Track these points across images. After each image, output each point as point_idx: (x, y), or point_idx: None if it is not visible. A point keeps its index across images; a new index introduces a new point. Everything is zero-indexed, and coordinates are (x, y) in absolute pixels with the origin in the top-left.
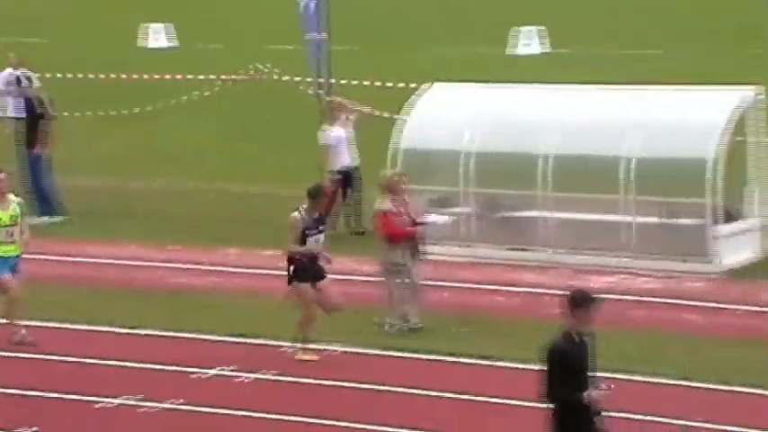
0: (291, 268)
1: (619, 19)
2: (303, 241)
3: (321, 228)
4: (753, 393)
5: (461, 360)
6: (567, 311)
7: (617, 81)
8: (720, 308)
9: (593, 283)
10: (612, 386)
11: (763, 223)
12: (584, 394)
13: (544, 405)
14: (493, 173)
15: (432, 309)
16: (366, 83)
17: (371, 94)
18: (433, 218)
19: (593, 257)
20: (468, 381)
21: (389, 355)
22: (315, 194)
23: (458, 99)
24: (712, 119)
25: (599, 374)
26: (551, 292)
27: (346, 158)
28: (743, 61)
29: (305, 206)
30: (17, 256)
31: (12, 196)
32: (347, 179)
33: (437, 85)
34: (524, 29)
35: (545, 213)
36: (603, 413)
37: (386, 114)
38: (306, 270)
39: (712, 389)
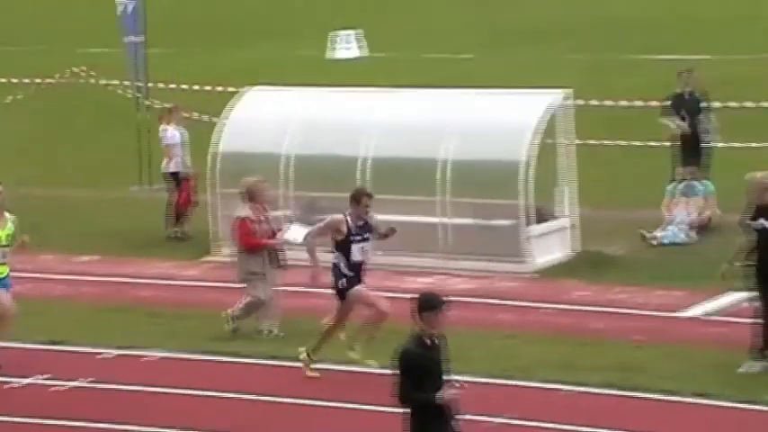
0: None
1: (434, 23)
2: (348, 249)
3: (367, 236)
4: (561, 390)
5: (280, 363)
6: (417, 315)
7: (433, 84)
8: (532, 306)
9: (411, 284)
10: (465, 386)
11: (572, 223)
12: (437, 396)
13: (401, 409)
14: (312, 175)
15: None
16: (185, 86)
17: (190, 97)
18: (294, 230)
19: (410, 258)
20: (287, 383)
21: (209, 360)
22: (357, 198)
23: (277, 102)
24: (524, 121)
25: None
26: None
27: (180, 161)
28: (552, 64)
29: (349, 211)
30: (6, 277)
31: (7, 213)
32: (178, 182)
33: (256, 87)
34: (343, 33)
35: None
36: (458, 414)
37: (205, 118)
38: (346, 285)
39: (524, 386)
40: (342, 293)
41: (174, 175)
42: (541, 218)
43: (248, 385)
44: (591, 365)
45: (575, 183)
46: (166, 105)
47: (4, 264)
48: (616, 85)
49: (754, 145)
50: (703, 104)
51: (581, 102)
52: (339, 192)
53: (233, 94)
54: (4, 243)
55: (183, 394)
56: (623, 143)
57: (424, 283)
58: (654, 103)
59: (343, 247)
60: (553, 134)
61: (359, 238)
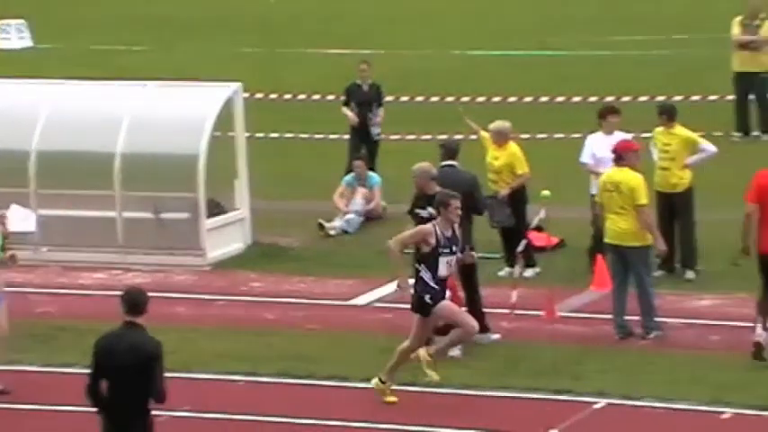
0: (426, 297)
1: (100, 14)
2: (435, 262)
3: (454, 248)
4: (238, 381)
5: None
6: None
7: (105, 77)
8: (207, 299)
9: (84, 279)
10: None
11: (243, 216)
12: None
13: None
14: None
15: None
16: None
17: None
18: (17, 214)
19: (84, 254)
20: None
21: None
22: (445, 202)
23: None
24: (200, 114)
25: None
26: (41, 290)
27: None
28: (225, 57)
29: (438, 221)
30: None
31: None
32: None
33: None
34: (6, 22)
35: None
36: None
37: None
38: (431, 301)
39: (203, 379)
40: (425, 309)
41: None
42: (217, 210)
43: None
44: (266, 356)
45: (245, 176)
46: None
47: None
48: (288, 78)
49: (425, 137)
50: (384, 97)
51: (260, 95)
52: (7, 187)
53: None
54: None
55: None
56: (304, 135)
57: (97, 278)
58: (330, 97)
59: (429, 259)
60: (223, 127)
61: (446, 250)
